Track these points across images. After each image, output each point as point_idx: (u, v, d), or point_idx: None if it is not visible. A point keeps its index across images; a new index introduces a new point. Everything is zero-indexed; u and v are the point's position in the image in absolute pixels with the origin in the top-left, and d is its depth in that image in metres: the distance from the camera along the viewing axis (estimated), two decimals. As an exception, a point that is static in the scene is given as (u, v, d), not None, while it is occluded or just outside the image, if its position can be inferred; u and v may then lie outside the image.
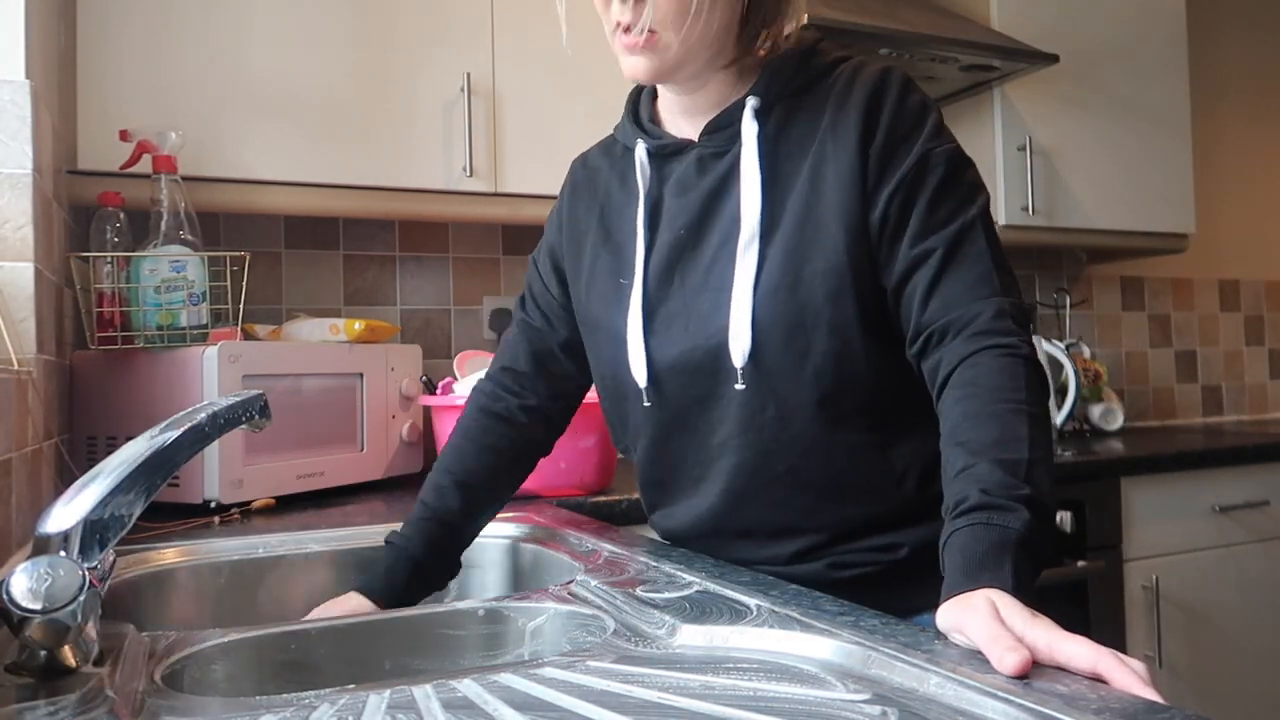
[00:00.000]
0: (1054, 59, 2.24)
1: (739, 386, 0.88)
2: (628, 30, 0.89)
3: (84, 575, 0.60)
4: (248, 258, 1.51)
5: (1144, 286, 3.03)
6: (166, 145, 1.47)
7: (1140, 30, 2.54)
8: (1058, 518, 1.90)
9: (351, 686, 0.59)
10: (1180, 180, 2.59)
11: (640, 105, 1.03)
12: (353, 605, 0.95)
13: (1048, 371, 0.83)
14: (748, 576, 0.86)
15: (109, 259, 1.45)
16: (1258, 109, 3.25)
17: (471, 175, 1.77)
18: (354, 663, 0.81)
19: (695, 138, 0.95)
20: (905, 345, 0.87)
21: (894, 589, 0.90)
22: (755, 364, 0.87)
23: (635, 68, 0.90)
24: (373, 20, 1.72)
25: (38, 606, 0.58)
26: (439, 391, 1.67)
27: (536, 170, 1.83)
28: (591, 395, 1.57)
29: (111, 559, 0.68)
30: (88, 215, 1.55)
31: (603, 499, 1.51)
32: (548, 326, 1.10)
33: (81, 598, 0.59)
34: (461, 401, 1.52)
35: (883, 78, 0.89)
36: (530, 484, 1.51)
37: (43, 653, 0.59)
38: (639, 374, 0.95)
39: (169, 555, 1.08)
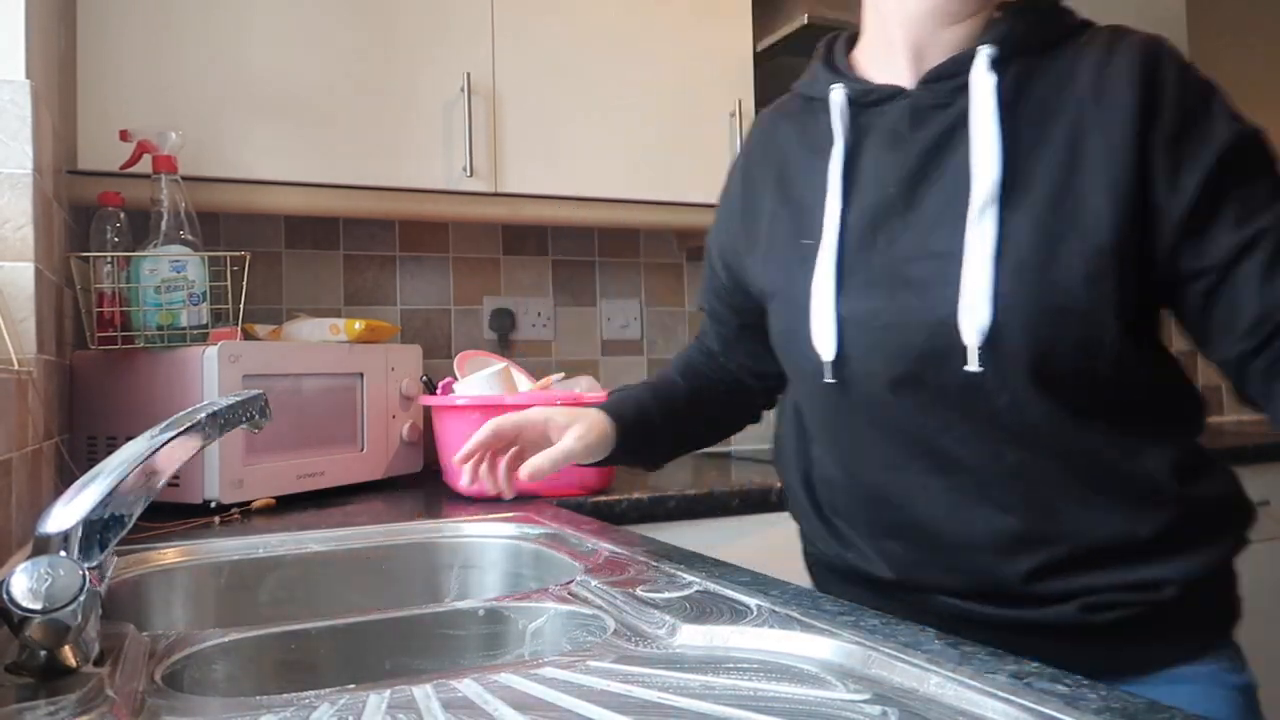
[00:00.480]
0: (1054, 59, 2.23)
1: (971, 368, 0.76)
2: None
3: (84, 575, 0.60)
4: (248, 258, 1.52)
5: (1144, 286, 3.03)
6: (166, 145, 1.47)
7: (1141, 29, 2.53)
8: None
9: (351, 686, 0.59)
10: (1180, 180, 2.58)
11: (835, 52, 0.91)
12: (592, 418, 0.95)
13: None
14: (747, 576, 0.86)
15: (109, 259, 1.45)
16: (1258, 109, 3.25)
17: (471, 175, 1.76)
18: (354, 663, 0.81)
19: (906, 86, 0.84)
20: (1217, 342, 0.77)
21: (1162, 636, 0.81)
22: (992, 345, 0.75)
23: None
24: (373, 20, 1.72)
25: (38, 606, 0.58)
26: (439, 391, 1.67)
27: (536, 170, 1.83)
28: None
29: (112, 559, 0.68)
30: (88, 215, 1.55)
31: (603, 499, 1.51)
32: (726, 312, 1.06)
33: (82, 598, 0.59)
34: (462, 402, 1.53)
35: (1157, 48, 0.78)
36: (530, 483, 1.51)
37: (43, 653, 0.59)
38: (823, 345, 0.83)
39: (169, 555, 1.08)
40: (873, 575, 0.89)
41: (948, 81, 0.81)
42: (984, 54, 0.79)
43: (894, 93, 0.84)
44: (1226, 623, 0.86)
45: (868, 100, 0.86)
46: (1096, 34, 0.81)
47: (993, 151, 0.77)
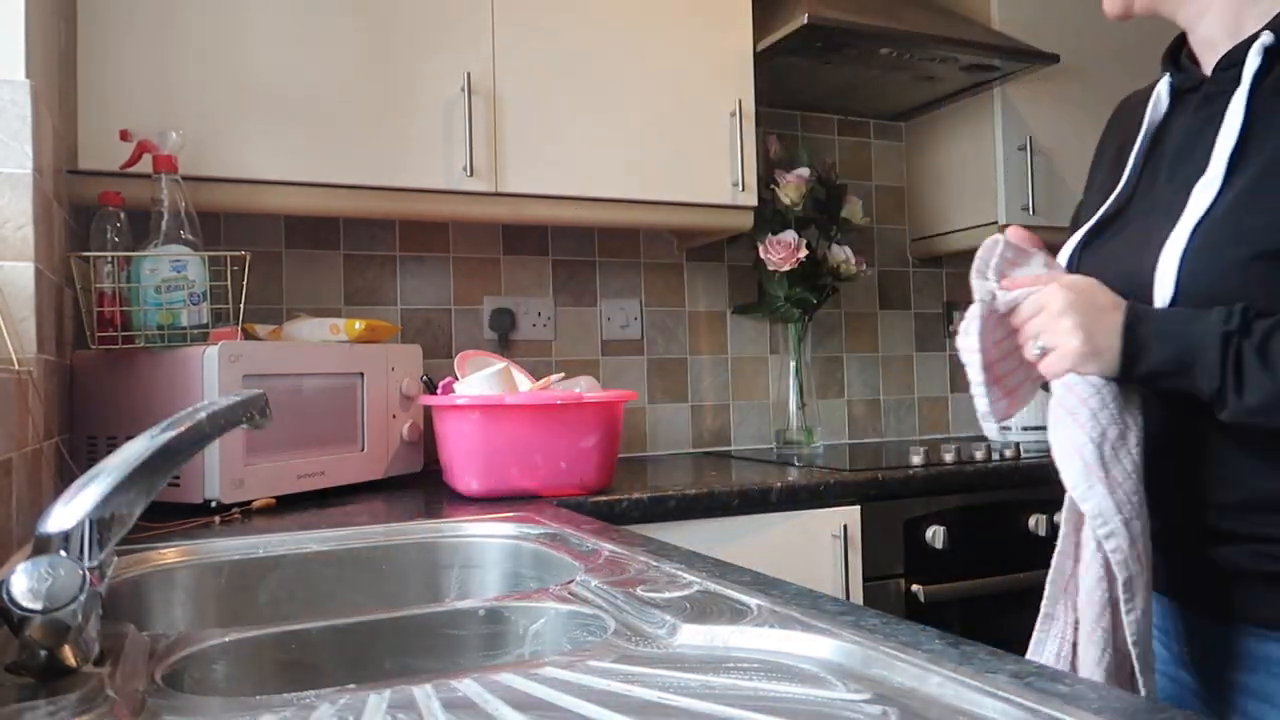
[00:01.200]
0: (1055, 59, 2.23)
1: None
2: None
3: (84, 575, 0.60)
4: (248, 257, 1.51)
5: (1144, 286, 3.03)
6: (167, 145, 1.47)
7: (1142, 30, 2.52)
8: (1057, 516, 1.89)
9: (352, 686, 0.59)
10: (1181, 180, 2.58)
11: (1180, 49, 0.99)
12: None
13: None
14: (748, 576, 0.86)
15: (109, 259, 1.45)
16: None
17: (472, 175, 1.76)
18: (354, 662, 0.81)
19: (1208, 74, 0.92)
20: None
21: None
22: (1175, 304, 0.83)
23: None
24: (373, 20, 1.72)
25: (38, 606, 0.58)
26: (439, 391, 1.67)
27: (537, 170, 1.83)
28: (592, 395, 1.57)
29: (112, 559, 0.68)
30: (88, 215, 1.55)
31: (603, 499, 1.51)
32: None
33: (82, 597, 0.59)
34: (462, 402, 1.53)
35: None
36: (530, 483, 1.52)
37: (43, 652, 0.59)
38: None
39: (169, 555, 1.08)
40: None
41: (1232, 70, 0.88)
42: (1259, 43, 0.85)
43: (1199, 81, 0.93)
44: None
45: (1184, 88, 0.96)
46: None
47: (1230, 136, 0.84)
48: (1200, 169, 0.86)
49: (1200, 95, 0.91)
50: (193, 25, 1.59)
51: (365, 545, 1.17)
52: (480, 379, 1.57)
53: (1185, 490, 0.87)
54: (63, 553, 0.61)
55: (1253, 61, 0.85)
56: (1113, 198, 0.96)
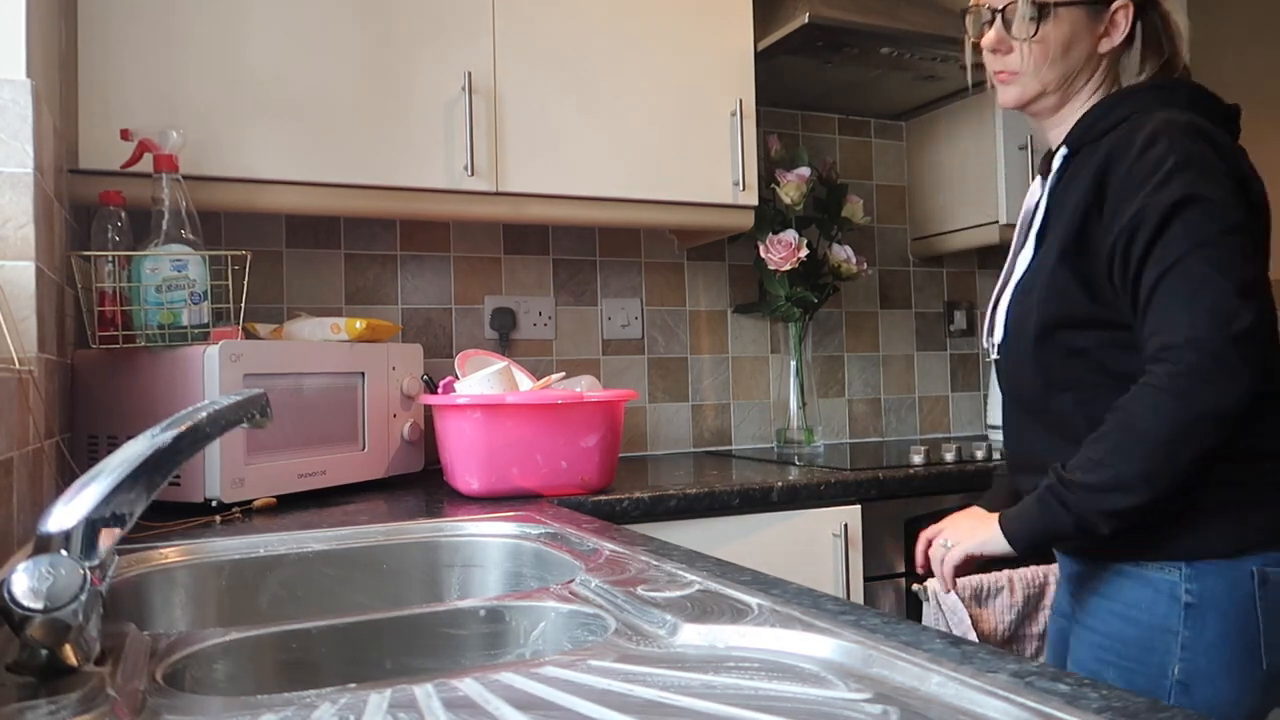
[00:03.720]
0: (1055, 58, 2.23)
1: (994, 357, 1.21)
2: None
3: (85, 574, 0.60)
4: (249, 257, 1.51)
5: (1145, 286, 3.03)
6: (168, 144, 1.47)
7: (1142, 29, 2.53)
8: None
9: (352, 686, 0.59)
10: (1182, 179, 2.58)
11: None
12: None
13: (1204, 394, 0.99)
14: (749, 575, 0.86)
15: (110, 258, 1.45)
16: (1260, 108, 3.25)
17: (473, 174, 1.76)
18: (355, 662, 0.81)
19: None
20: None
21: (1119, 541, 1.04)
22: (1003, 344, 1.18)
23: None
24: (373, 19, 1.72)
25: (39, 605, 0.58)
26: (440, 390, 1.67)
27: (538, 169, 1.83)
28: (593, 394, 1.57)
29: (113, 558, 0.68)
30: (89, 214, 1.55)
31: (604, 498, 1.51)
32: None
33: (83, 597, 0.59)
34: (463, 401, 1.53)
35: (1134, 132, 1.05)
36: (531, 483, 1.52)
37: (44, 652, 0.59)
38: (990, 335, 1.25)
39: (170, 554, 1.08)
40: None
41: (1048, 172, 1.19)
42: (1060, 154, 1.15)
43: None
44: (1182, 541, 1.04)
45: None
46: (1130, 122, 1.08)
47: (1038, 219, 1.15)
48: (1023, 243, 1.17)
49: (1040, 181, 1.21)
50: (194, 25, 1.59)
51: (366, 545, 1.17)
52: (481, 378, 1.57)
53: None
54: (63, 552, 0.60)
55: (1055, 165, 1.15)
56: (1004, 269, 1.25)
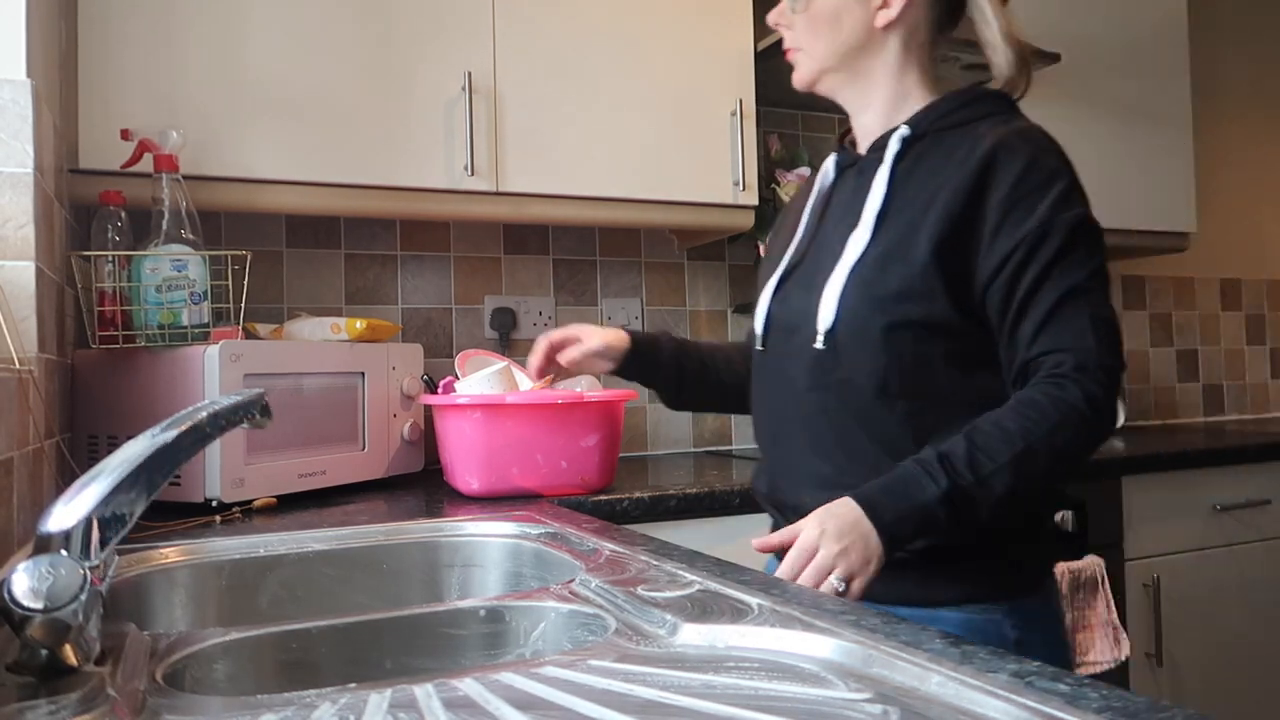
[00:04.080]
0: (1055, 58, 2.23)
1: (818, 345, 1.05)
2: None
3: (85, 574, 0.60)
4: (249, 257, 1.51)
5: (1145, 285, 3.03)
6: (168, 144, 1.47)
7: (1142, 29, 2.53)
8: (1058, 515, 1.90)
9: (352, 686, 0.59)
10: (1182, 179, 2.58)
11: (848, 134, 1.22)
12: (618, 332, 1.32)
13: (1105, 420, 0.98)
14: (749, 575, 0.86)
15: (110, 258, 1.45)
16: (1259, 108, 3.25)
17: (473, 174, 1.76)
18: (355, 662, 0.81)
19: (863, 154, 1.15)
20: (1006, 375, 1.02)
21: (910, 581, 1.00)
22: (832, 333, 1.04)
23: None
24: (374, 19, 1.72)
25: (39, 605, 0.58)
26: (440, 390, 1.67)
27: (538, 169, 1.83)
28: (593, 394, 1.57)
29: (113, 558, 0.68)
30: (89, 214, 1.55)
31: (604, 498, 1.51)
32: None
33: (83, 597, 0.59)
34: (463, 401, 1.53)
35: (1020, 136, 1.03)
36: (531, 483, 1.52)
37: (44, 652, 0.59)
38: (758, 323, 1.16)
39: (170, 554, 1.08)
40: (759, 489, 1.20)
41: (879, 152, 1.11)
42: (898, 133, 1.09)
43: (855, 159, 1.16)
44: (998, 581, 1.03)
45: (845, 164, 1.18)
46: (991, 121, 1.06)
47: (877, 201, 1.07)
48: (854, 225, 1.07)
49: (856, 169, 1.14)
50: (194, 24, 1.59)
51: (366, 544, 1.17)
52: (481, 378, 1.57)
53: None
54: (64, 552, 0.61)
55: (893, 146, 1.08)
56: (791, 251, 1.17)
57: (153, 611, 1.04)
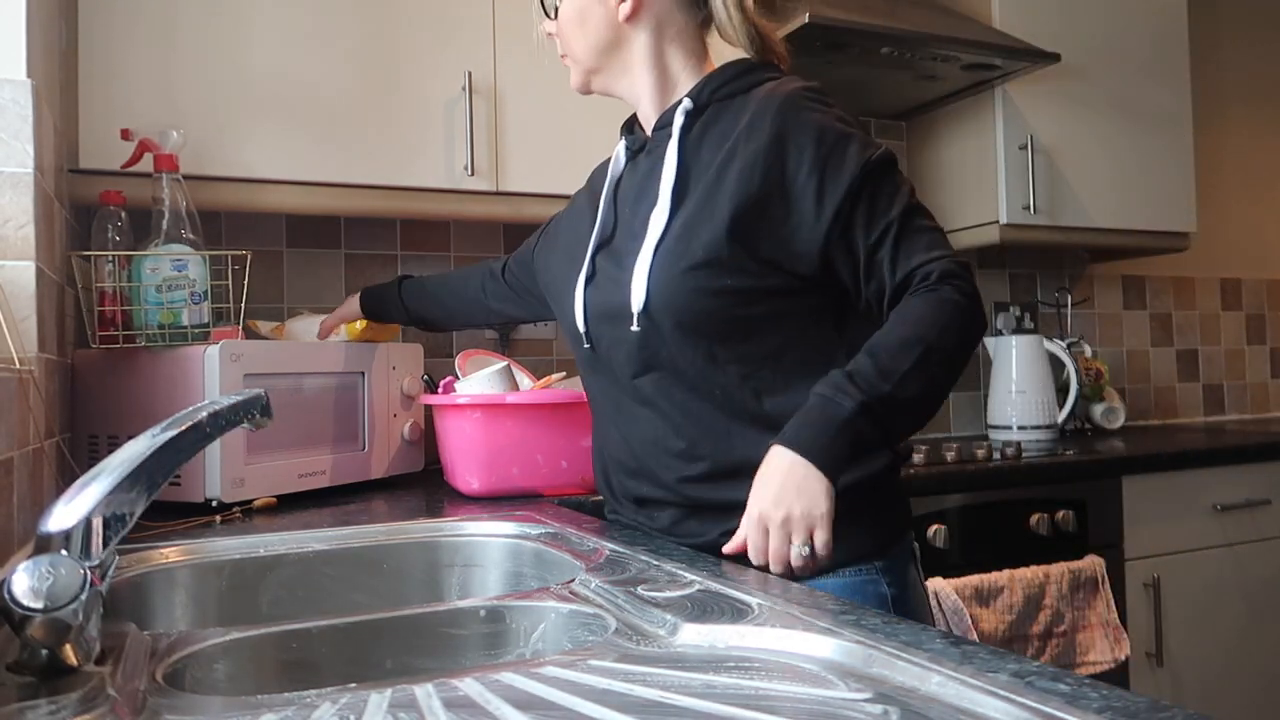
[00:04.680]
0: (1055, 58, 2.23)
1: (634, 329, 1.06)
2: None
3: (85, 574, 0.60)
4: (249, 256, 1.51)
5: (1145, 285, 3.03)
6: (168, 144, 1.47)
7: (1142, 29, 2.53)
8: (1059, 515, 1.90)
9: (353, 685, 0.59)
10: (1182, 179, 2.58)
11: (635, 121, 1.22)
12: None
13: (982, 319, 1.02)
14: (749, 575, 0.86)
15: (110, 258, 1.45)
16: (1260, 107, 3.25)
17: (473, 174, 1.76)
18: (355, 662, 0.81)
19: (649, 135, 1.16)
20: (877, 307, 1.04)
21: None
22: (647, 313, 1.05)
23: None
24: (374, 19, 1.72)
25: (39, 605, 0.58)
26: (440, 390, 1.67)
27: (538, 169, 1.83)
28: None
29: (113, 558, 0.68)
30: (89, 214, 1.55)
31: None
32: (521, 275, 1.44)
33: (83, 596, 0.59)
34: (463, 401, 1.53)
35: (802, 94, 1.05)
36: (532, 482, 1.52)
37: (44, 651, 0.59)
38: (579, 322, 1.15)
39: (170, 554, 1.08)
40: (608, 482, 1.21)
41: (667, 128, 1.12)
42: (681, 107, 1.10)
43: (644, 141, 1.16)
44: (869, 540, 1.05)
45: (634, 148, 1.18)
46: (770, 83, 1.07)
47: (670, 177, 1.07)
48: (653, 203, 1.08)
49: (645, 151, 1.15)
50: (194, 24, 1.59)
51: (366, 544, 1.17)
52: (481, 378, 1.57)
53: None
54: (64, 552, 0.61)
55: (678, 120, 1.09)
56: (594, 239, 1.16)
57: (153, 611, 1.04)
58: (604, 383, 1.16)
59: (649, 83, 1.15)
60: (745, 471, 0.99)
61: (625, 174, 1.19)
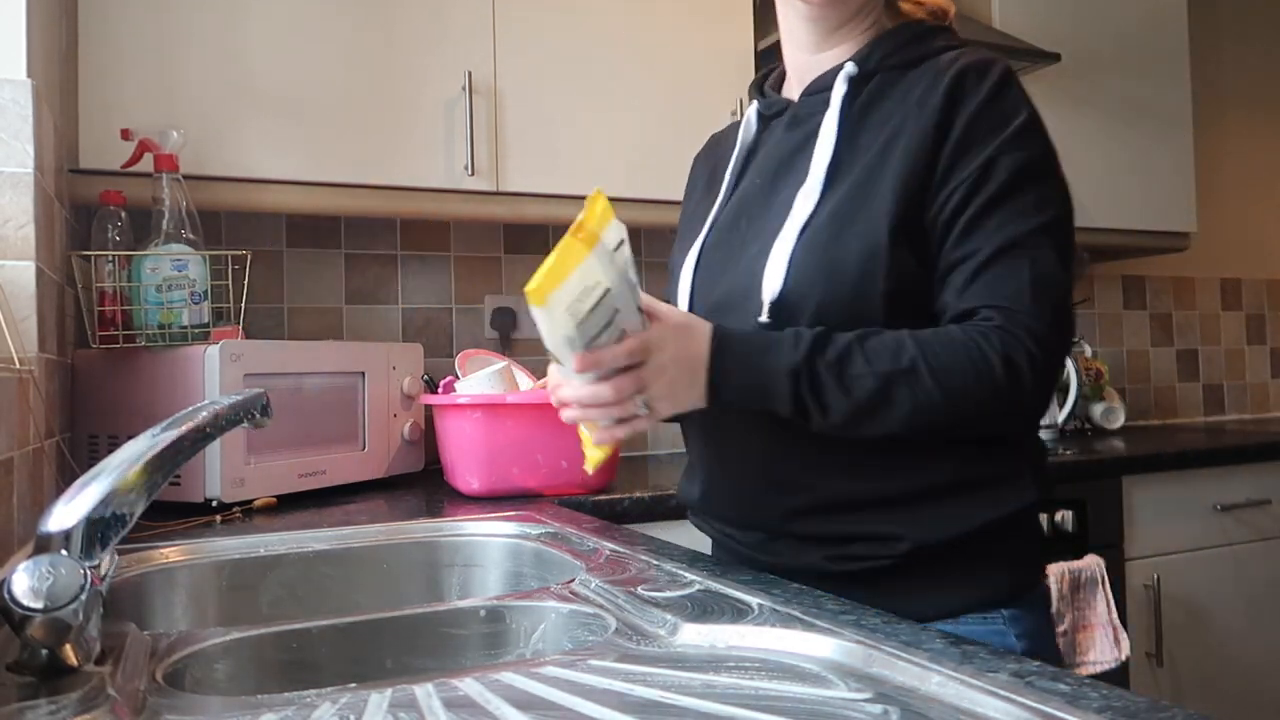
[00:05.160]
0: (1055, 58, 2.23)
1: (763, 319, 0.90)
2: None
3: (85, 574, 0.60)
4: (249, 256, 1.51)
5: (1145, 285, 3.03)
6: (168, 144, 1.47)
7: (1142, 29, 2.53)
8: (1058, 515, 1.90)
9: (353, 685, 0.59)
10: (1182, 179, 2.58)
11: (767, 79, 1.09)
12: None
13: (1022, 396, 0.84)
14: (749, 575, 0.86)
15: (110, 258, 1.45)
16: (1260, 107, 3.25)
17: (473, 174, 1.76)
18: (355, 662, 0.81)
19: (795, 100, 1.01)
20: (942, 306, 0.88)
21: (896, 591, 0.88)
22: (781, 304, 0.89)
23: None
24: (374, 19, 1.72)
25: (39, 605, 0.58)
26: (440, 390, 1.67)
27: (538, 169, 1.83)
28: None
29: (113, 558, 0.68)
30: (89, 214, 1.55)
31: (604, 498, 1.51)
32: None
33: (83, 596, 0.59)
34: (463, 400, 1.53)
35: (985, 67, 0.89)
36: (532, 482, 1.52)
37: (44, 651, 0.59)
38: (682, 306, 1.00)
39: (170, 554, 1.08)
40: (689, 499, 1.06)
41: (821, 94, 0.97)
42: (844, 72, 0.95)
43: (786, 105, 1.02)
44: (993, 586, 0.91)
45: (770, 113, 1.04)
46: (950, 55, 0.93)
47: (826, 152, 0.93)
48: (800, 180, 0.93)
49: (788, 117, 1.01)
50: (194, 24, 1.59)
51: (366, 544, 1.17)
52: (481, 378, 1.57)
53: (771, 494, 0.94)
54: (64, 552, 0.61)
55: (839, 88, 0.95)
56: (714, 213, 1.04)
57: (153, 611, 1.04)
58: None
59: (859, 37, 0.97)
60: (848, 505, 0.89)
61: (760, 142, 1.04)
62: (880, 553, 0.88)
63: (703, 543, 1.09)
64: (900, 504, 0.88)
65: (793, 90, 1.03)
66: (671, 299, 1.05)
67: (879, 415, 0.83)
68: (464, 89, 1.76)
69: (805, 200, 0.92)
